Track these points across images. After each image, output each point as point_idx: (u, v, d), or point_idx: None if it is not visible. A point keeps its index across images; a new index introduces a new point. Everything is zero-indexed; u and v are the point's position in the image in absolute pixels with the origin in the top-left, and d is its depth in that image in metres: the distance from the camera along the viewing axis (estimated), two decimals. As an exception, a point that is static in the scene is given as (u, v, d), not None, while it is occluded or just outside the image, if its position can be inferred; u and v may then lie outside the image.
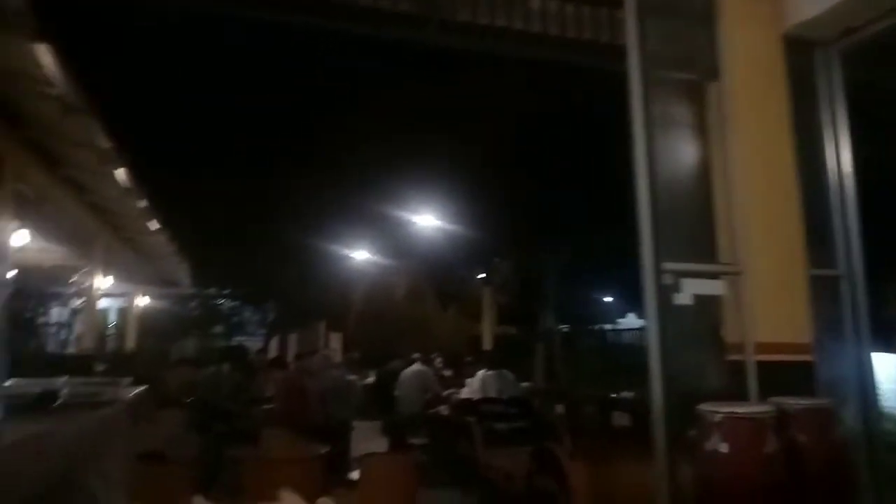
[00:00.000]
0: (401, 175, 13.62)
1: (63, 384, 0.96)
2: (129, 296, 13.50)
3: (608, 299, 23.57)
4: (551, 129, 12.14)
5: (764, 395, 3.61)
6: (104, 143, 5.35)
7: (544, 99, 10.96)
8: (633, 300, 23.04)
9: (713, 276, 3.62)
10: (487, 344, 15.66)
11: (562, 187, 13.20)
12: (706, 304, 3.80)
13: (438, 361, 11.27)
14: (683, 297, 3.49)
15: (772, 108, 3.78)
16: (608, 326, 21.32)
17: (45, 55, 3.82)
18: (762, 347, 3.70)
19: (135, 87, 10.95)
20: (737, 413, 3.28)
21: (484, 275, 17.72)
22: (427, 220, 15.23)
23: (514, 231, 14.58)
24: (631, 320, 23.71)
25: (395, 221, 15.05)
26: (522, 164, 12.96)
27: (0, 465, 0.73)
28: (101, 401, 1.02)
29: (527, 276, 16.40)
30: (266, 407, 7.10)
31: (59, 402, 0.89)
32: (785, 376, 3.57)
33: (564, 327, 17.36)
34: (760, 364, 3.70)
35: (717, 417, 3.27)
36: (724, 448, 3.24)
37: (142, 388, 3.31)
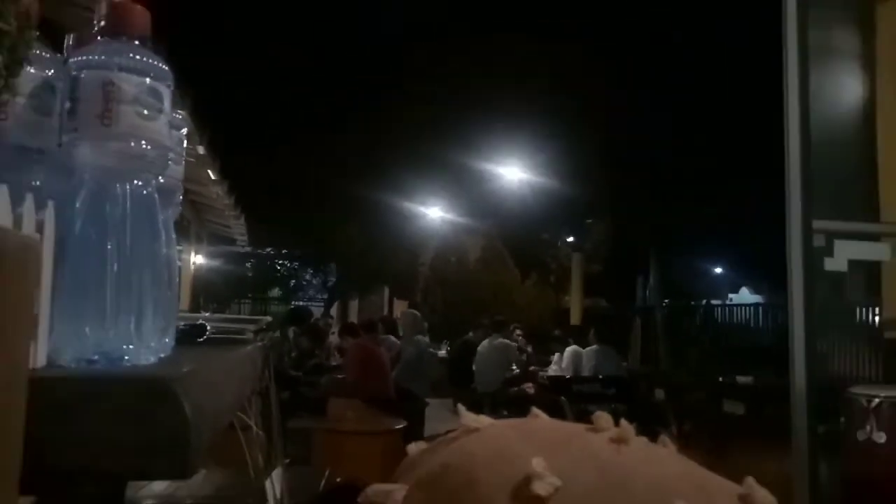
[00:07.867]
0: (483, 121, 13.51)
1: (206, 320, 1.04)
2: (181, 252, 14.12)
3: (718, 270, 22.94)
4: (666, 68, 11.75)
5: (930, 381, 3.46)
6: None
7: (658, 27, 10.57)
8: (747, 272, 22.32)
9: (875, 237, 3.46)
10: (575, 318, 15.58)
11: (671, 139, 12.82)
12: (860, 271, 3.65)
13: (518, 334, 11.32)
14: (836, 263, 3.35)
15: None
16: (717, 302, 20.77)
17: None
18: (931, 324, 3.54)
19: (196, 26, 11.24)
20: (898, 398, 3.17)
21: (573, 238, 17.52)
22: (511, 172, 15.02)
23: (610, 188, 14.26)
24: (744, 295, 23.01)
25: (474, 174, 14.97)
26: (626, 110, 12.63)
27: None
28: (244, 338, 1.11)
29: (624, 241, 16.11)
30: (337, 376, 7.36)
31: (206, 336, 0.97)
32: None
33: (665, 301, 17.02)
34: (928, 344, 3.55)
35: (874, 402, 3.17)
36: (880, 438, 3.15)
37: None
